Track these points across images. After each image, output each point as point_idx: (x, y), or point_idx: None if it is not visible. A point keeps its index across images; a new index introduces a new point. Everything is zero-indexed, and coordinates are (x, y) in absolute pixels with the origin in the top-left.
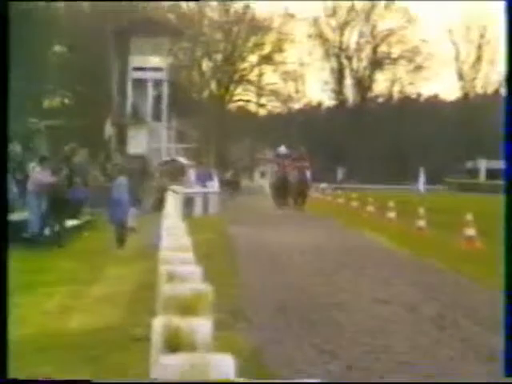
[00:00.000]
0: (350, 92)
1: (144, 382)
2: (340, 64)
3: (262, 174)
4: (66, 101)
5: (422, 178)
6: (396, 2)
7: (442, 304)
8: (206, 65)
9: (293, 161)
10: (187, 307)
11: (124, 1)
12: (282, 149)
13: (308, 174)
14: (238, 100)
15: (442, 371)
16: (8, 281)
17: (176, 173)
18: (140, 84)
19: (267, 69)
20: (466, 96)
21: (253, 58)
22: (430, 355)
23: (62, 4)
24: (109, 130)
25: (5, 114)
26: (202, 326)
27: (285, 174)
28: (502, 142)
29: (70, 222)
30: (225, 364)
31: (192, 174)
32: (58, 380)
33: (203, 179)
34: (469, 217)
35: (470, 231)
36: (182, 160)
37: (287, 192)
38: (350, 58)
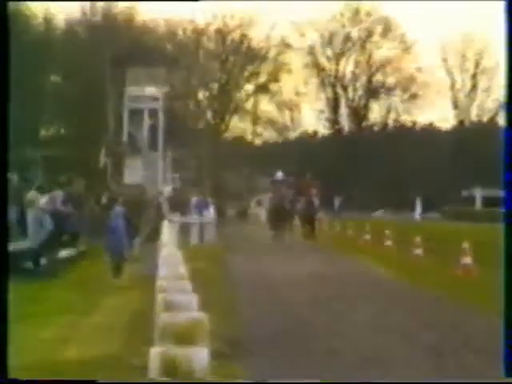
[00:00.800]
0: (345, 121)
1: (144, 381)
2: (335, 93)
3: (259, 203)
4: (62, 131)
5: (418, 207)
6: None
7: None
8: (202, 94)
9: (300, 188)
10: (184, 335)
11: (123, 1)
12: (279, 175)
13: (316, 201)
14: (234, 129)
15: None
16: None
17: (178, 202)
18: (136, 113)
19: (263, 98)
20: (461, 124)
21: (249, 87)
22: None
23: (59, 30)
24: (103, 159)
25: (5, 143)
26: (198, 355)
27: (281, 201)
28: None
29: (68, 252)
30: None
31: (193, 203)
32: (59, 380)
33: (200, 208)
34: (465, 245)
35: (467, 259)
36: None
37: (284, 220)
38: (345, 88)
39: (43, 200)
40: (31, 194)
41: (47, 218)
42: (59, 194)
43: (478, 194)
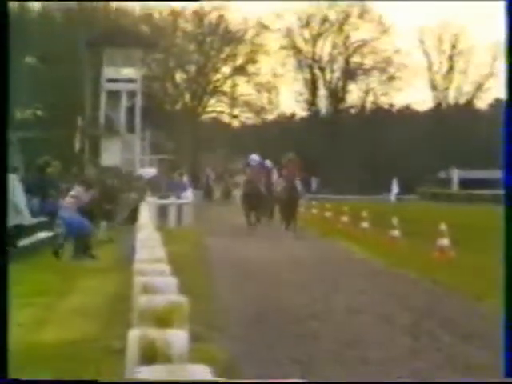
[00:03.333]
0: (323, 103)
1: (145, 381)
2: (313, 75)
3: (235, 185)
4: (39, 113)
5: (394, 188)
6: (370, 10)
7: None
8: (179, 76)
9: (281, 169)
10: (163, 319)
11: (120, 1)
12: (254, 157)
13: (298, 184)
14: (212, 111)
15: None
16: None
17: (157, 184)
18: (113, 95)
19: (240, 80)
20: (438, 106)
21: (226, 69)
22: (405, 366)
23: (34, 13)
24: (79, 142)
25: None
26: (177, 338)
27: (255, 186)
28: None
29: (45, 234)
30: (201, 375)
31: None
32: (59, 380)
33: (178, 189)
34: (442, 227)
35: (444, 241)
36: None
37: (258, 206)
38: (322, 69)
39: (67, 200)
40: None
41: (23, 201)
42: (79, 190)
43: (455, 175)
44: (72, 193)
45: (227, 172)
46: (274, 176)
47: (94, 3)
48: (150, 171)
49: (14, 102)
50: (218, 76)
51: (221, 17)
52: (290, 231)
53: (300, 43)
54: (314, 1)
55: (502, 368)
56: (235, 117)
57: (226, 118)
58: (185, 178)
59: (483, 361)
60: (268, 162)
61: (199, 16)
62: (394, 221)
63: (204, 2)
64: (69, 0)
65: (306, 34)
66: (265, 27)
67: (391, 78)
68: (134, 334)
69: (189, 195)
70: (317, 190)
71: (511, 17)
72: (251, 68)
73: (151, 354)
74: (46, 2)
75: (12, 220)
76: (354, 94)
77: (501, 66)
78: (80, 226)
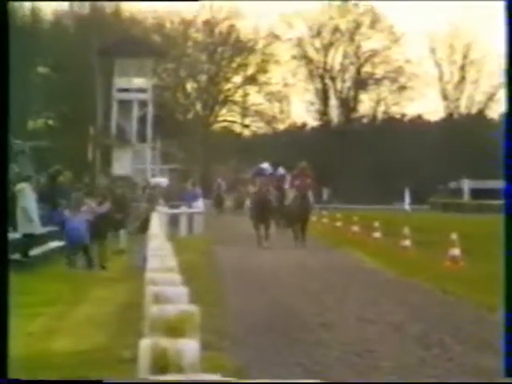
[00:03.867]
0: (334, 112)
1: (146, 381)
2: (324, 85)
3: (248, 195)
4: (51, 122)
5: (406, 198)
6: (381, 19)
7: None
8: (190, 86)
9: (293, 178)
10: (174, 328)
11: (123, 1)
12: (265, 166)
13: (310, 195)
14: (223, 121)
15: None
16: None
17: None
18: (125, 105)
19: (251, 89)
20: (450, 116)
21: (237, 79)
22: (415, 374)
23: (47, 23)
24: (91, 151)
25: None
26: (189, 347)
27: (265, 197)
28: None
29: (56, 244)
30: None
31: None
32: (59, 380)
33: (190, 199)
34: (453, 236)
35: (455, 251)
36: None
37: (268, 219)
38: (334, 79)
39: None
40: (20, 186)
41: (34, 210)
42: (92, 204)
43: (466, 185)
44: (85, 207)
45: (239, 181)
46: (287, 184)
47: (106, 13)
48: (161, 181)
49: (27, 111)
50: (229, 85)
51: (232, 26)
52: (299, 241)
53: (311, 53)
54: (324, 0)
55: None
56: (246, 126)
57: (237, 128)
58: (196, 188)
59: (493, 368)
60: (281, 170)
61: (210, 26)
62: (406, 231)
63: (215, 12)
64: (78, 0)
65: (317, 43)
66: (276, 37)
67: (402, 88)
68: (146, 344)
69: (200, 205)
70: (328, 200)
71: (511, 16)
72: (262, 78)
73: (163, 364)
74: (58, 12)
75: (23, 229)
76: (366, 104)
77: None
78: (78, 236)
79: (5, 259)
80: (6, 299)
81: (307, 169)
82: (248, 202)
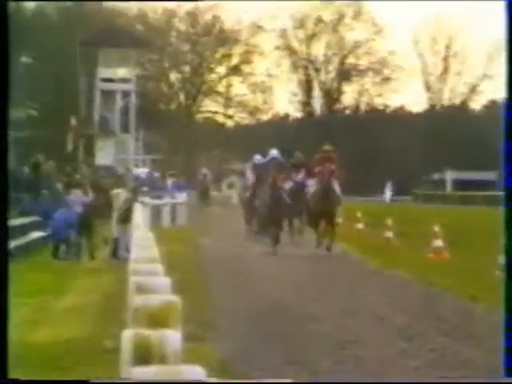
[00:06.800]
0: (317, 103)
1: (145, 381)
2: (307, 76)
3: (230, 186)
4: (33, 112)
5: (388, 189)
6: (364, 11)
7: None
8: (173, 76)
9: (311, 166)
10: (157, 318)
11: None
12: (274, 153)
13: (336, 185)
14: (207, 111)
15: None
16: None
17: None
18: (108, 95)
19: (235, 80)
20: (432, 108)
21: (221, 70)
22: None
23: (29, 12)
24: (74, 141)
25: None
26: (171, 338)
27: (278, 192)
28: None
29: (38, 234)
30: (195, 375)
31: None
32: (57, 380)
33: (172, 190)
34: (436, 228)
35: (438, 242)
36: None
37: (281, 221)
38: (317, 70)
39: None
40: None
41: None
42: (78, 194)
43: (449, 176)
44: (70, 196)
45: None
46: (300, 176)
47: (89, 3)
48: (144, 171)
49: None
50: (213, 76)
51: (215, 17)
52: (324, 247)
53: (294, 44)
54: (308, 0)
55: (496, 368)
56: (230, 117)
57: (220, 118)
58: (179, 178)
59: (475, 360)
60: (298, 154)
61: (194, 16)
62: (389, 222)
63: (199, 3)
64: (65, 0)
65: (301, 34)
66: (259, 28)
67: (386, 79)
68: (128, 334)
69: (183, 195)
70: None
71: (511, 15)
72: (246, 68)
73: (145, 354)
74: (41, 2)
75: None
76: (349, 95)
77: (495, 68)
78: (62, 227)
79: (4, 252)
80: (6, 299)
81: (331, 153)
82: (243, 198)
